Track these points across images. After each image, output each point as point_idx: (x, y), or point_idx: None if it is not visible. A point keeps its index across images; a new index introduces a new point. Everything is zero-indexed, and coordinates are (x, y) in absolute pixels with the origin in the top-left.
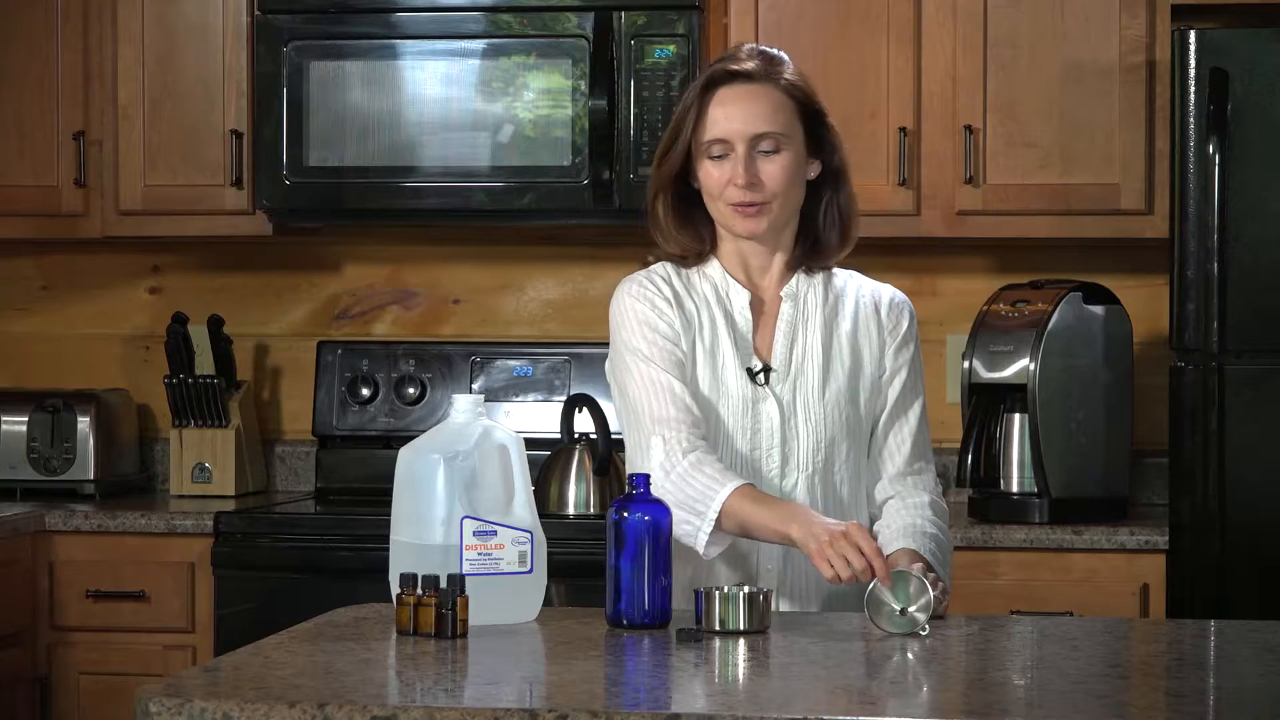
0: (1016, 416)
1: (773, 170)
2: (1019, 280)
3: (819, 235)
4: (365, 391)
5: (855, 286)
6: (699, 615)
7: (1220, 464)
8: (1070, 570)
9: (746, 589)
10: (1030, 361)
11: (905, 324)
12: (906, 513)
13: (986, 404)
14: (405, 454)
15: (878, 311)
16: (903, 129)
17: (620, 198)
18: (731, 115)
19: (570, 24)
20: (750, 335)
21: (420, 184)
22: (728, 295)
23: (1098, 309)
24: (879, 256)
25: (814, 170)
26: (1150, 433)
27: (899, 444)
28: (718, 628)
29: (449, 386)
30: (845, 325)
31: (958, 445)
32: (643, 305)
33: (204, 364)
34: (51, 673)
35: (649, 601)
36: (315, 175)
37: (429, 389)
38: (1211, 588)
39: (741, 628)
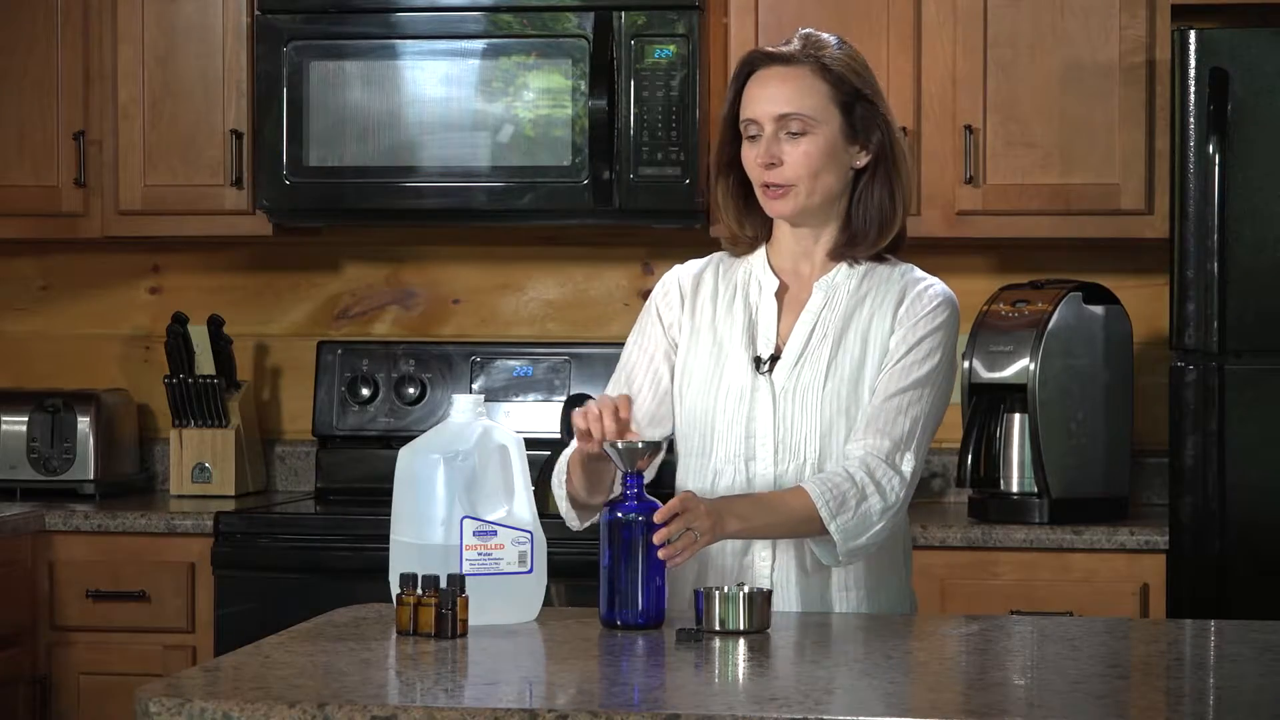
0: (1016, 416)
1: (794, 153)
2: (1019, 280)
3: (854, 226)
4: (365, 391)
5: (899, 278)
6: (699, 615)
7: (1220, 464)
8: (1070, 570)
9: (746, 589)
10: (1030, 361)
11: (926, 307)
12: (834, 463)
13: (986, 404)
14: (405, 454)
15: (902, 298)
16: (903, 129)
17: (620, 198)
18: (759, 96)
19: (570, 24)
20: (774, 324)
21: (420, 184)
22: (759, 284)
23: (1098, 309)
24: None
25: (860, 158)
26: (1150, 433)
27: (866, 409)
28: (718, 628)
29: (449, 386)
30: (864, 315)
31: (958, 445)
32: (660, 300)
33: (204, 364)
34: (51, 673)
35: (642, 602)
36: (315, 175)
37: (429, 389)
38: (1211, 588)
39: (741, 628)
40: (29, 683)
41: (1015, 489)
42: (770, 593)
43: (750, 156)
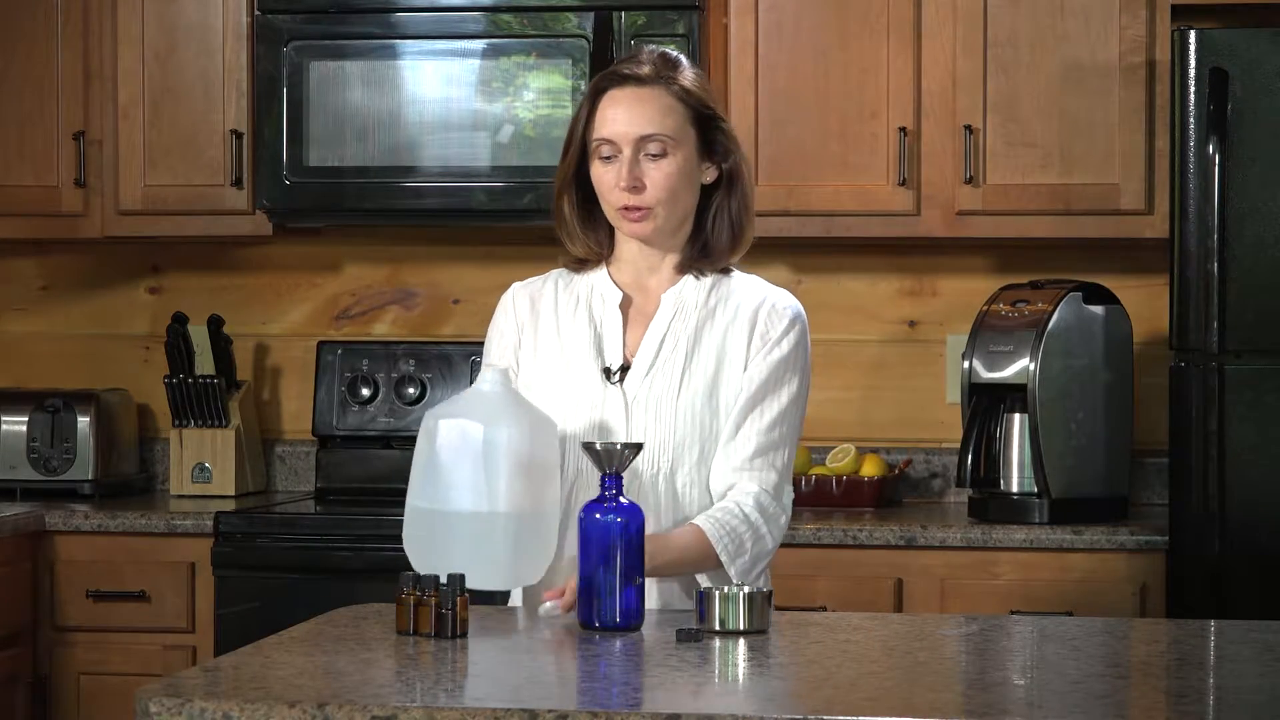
0: (1016, 416)
1: (657, 176)
2: (1019, 280)
3: (708, 239)
4: (365, 391)
5: (745, 291)
6: (700, 615)
7: (1220, 464)
8: (1070, 570)
9: (746, 589)
10: (1030, 361)
11: (780, 327)
12: (728, 497)
13: (986, 404)
14: (465, 426)
15: (756, 314)
16: (903, 129)
17: None
18: (618, 117)
19: (570, 24)
20: (620, 335)
21: (420, 184)
22: (602, 297)
23: (1098, 309)
24: (879, 256)
25: (709, 175)
26: (1150, 433)
27: (746, 437)
28: (717, 627)
29: (449, 386)
30: (718, 329)
31: (958, 445)
32: (500, 314)
33: (204, 364)
34: (51, 673)
35: (620, 604)
36: (315, 175)
37: (429, 389)
38: (1211, 588)
39: (741, 628)
40: (29, 683)
41: (1015, 489)
42: (770, 593)
43: (608, 179)
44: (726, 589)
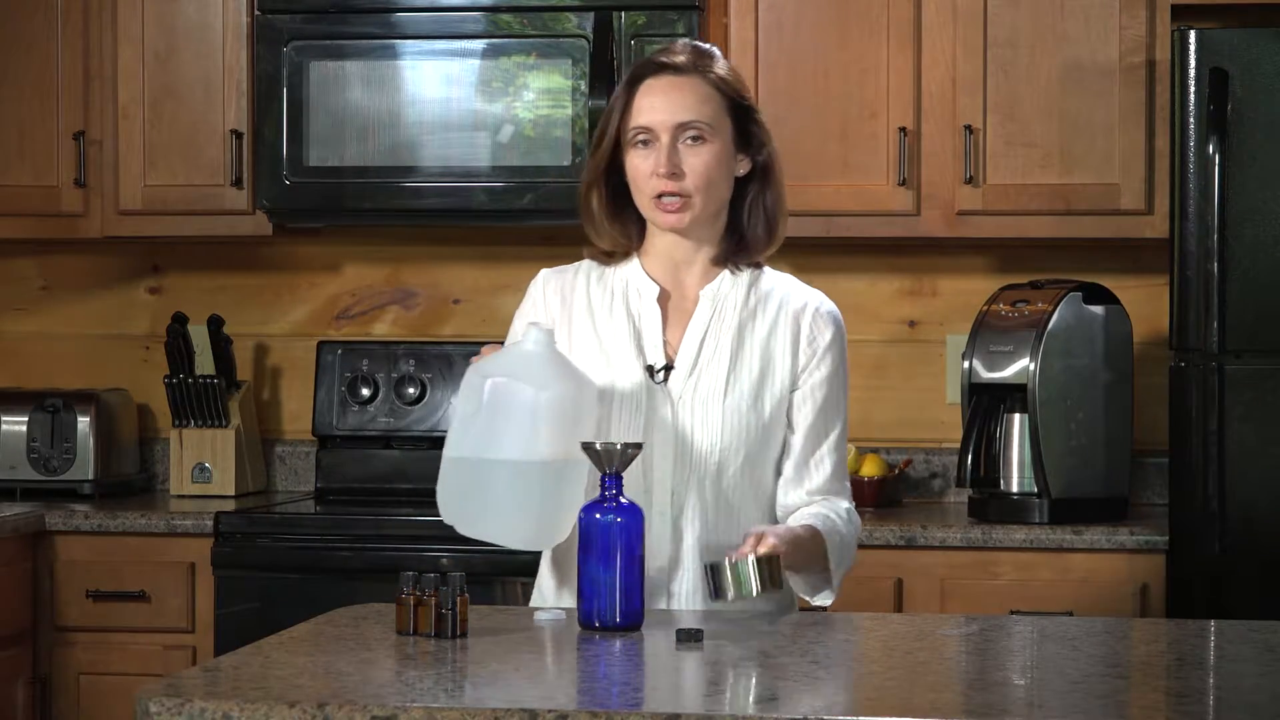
0: (1016, 416)
1: (695, 162)
2: (1019, 280)
3: (744, 232)
4: (365, 391)
5: (783, 291)
6: (713, 588)
7: (1220, 464)
8: (1070, 570)
9: (752, 556)
10: (1030, 361)
11: (828, 336)
12: (825, 508)
13: (986, 404)
14: (510, 384)
15: (798, 319)
16: (903, 129)
17: None
18: (656, 105)
19: (570, 24)
20: (659, 332)
21: (420, 184)
22: (638, 292)
23: (1098, 309)
24: (879, 256)
25: (743, 166)
26: (1150, 433)
27: (819, 461)
28: (730, 595)
29: (449, 386)
30: (761, 329)
31: (958, 445)
32: (527, 303)
33: (204, 364)
34: (51, 673)
35: (621, 604)
36: (315, 175)
37: (429, 389)
38: (1211, 588)
39: (755, 592)
40: (29, 683)
41: (1015, 489)
42: (777, 556)
43: (644, 166)
44: (733, 557)
